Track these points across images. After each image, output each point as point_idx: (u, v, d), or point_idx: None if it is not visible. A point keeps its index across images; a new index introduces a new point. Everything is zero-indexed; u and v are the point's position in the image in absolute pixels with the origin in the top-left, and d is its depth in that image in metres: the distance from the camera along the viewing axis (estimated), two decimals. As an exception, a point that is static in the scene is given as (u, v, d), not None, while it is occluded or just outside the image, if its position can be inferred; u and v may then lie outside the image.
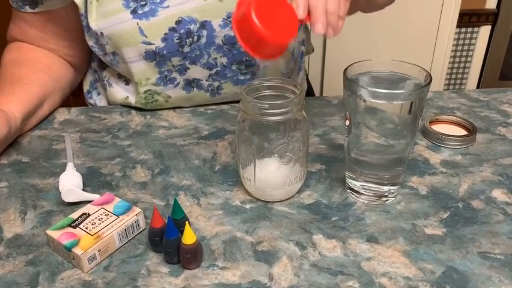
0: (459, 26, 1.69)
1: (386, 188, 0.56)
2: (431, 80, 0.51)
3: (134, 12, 0.68)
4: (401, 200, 0.58)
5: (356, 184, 0.57)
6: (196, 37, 0.70)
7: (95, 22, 0.70)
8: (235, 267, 0.49)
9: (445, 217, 0.55)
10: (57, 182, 0.59)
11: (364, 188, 0.57)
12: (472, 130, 0.69)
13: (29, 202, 0.59)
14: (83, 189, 0.59)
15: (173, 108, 0.79)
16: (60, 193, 0.57)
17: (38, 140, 0.71)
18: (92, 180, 0.62)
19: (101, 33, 0.70)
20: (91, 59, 0.86)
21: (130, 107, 0.79)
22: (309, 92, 1.03)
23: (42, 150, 0.69)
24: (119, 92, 0.79)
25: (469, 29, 1.74)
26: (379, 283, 0.47)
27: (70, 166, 0.62)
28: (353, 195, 0.58)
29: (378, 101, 0.51)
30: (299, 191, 0.59)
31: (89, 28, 0.71)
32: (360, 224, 0.54)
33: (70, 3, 0.71)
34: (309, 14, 0.51)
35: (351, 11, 0.62)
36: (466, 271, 0.48)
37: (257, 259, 0.50)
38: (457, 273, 0.48)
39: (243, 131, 0.55)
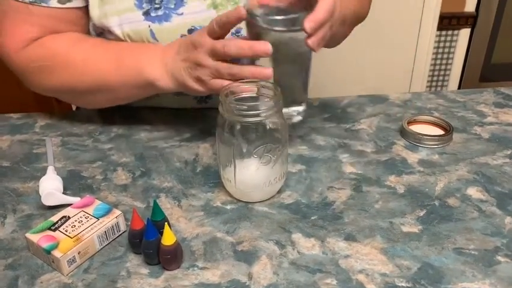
0: (439, 28, 1.71)
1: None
2: None
3: (146, 14, 0.67)
4: (379, 199, 0.59)
5: None
6: None
7: (99, 19, 0.69)
8: (215, 267, 0.50)
9: (422, 215, 0.56)
10: (38, 185, 0.59)
11: None
12: (448, 130, 0.71)
13: (9, 206, 0.59)
14: (64, 193, 0.59)
15: (156, 108, 0.79)
16: (40, 197, 0.57)
17: (18, 145, 0.71)
18: (73, 183, 0.62)
19: (108, 31, 0.69)
20: None
21: (112, 110, 0.79)
22: None
23: (23, 155, 0.69)
24: None
25: (449, 32, 1.77)
26: (356, 280, 0.48)
27: (51, 170, 0.62)
28: None
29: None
30: (279, 191, 0.60)
31: (93, 23, 0.71)
32: (339, 223, 0.55)
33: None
34: None
35: None
36: (441, 267, 0.49)
37: (237, 259, 0.51)
38: (432, 269, 0.49)
39: (223, 132, 0.55)
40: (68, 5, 0.68)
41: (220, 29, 0.59)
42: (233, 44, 0.58)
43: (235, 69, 0.58)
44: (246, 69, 0.58)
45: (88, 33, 0.73)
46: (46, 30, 0.69)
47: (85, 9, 0.70)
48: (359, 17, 0.77)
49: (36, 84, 0.72)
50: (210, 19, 0.70)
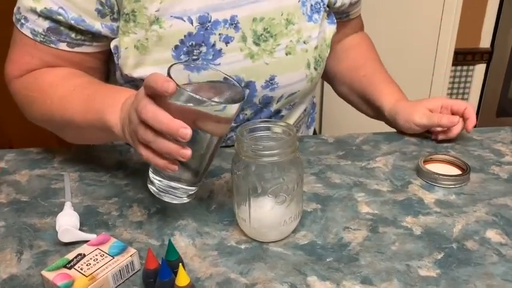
0: (454, 64, 1.72)
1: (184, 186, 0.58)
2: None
3: (185, 64, 0.69)
4: (395, 241, 0.58)
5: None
6: None
7: (133, 69, 0.69)
8: (229, 309, 0.49)
9: (439, 258, 0.55)
10: (55, 221, 0.60)
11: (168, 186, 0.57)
12: (465, 169, 0.70)
13: (26, 242, 0.59)
14: (80, 229, 0.60)
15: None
16: (57, 233, 0.58)
17: (37, 179, 0.72)
18: (89, 219, 0.63)
19: (141, 79, 0.69)
20: None
21: (129, 145, 0.81)
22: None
23: (41, 190, 0.70)
24: None
25: (465, 67, 1.78)
26: (373, 326, 0.47)
27: (68, 205, 0.63)
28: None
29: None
30: (294, 231, 0.60)
31: (121, 73, 0.71)
32: (355, 265, 0.54)
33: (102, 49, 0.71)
34: None
35: None
36: (461, 314, 0.48)
37: (251, 301, 0.50)
38: (451, 316, 0.48)
39: (238, 170, 0.56)
40: (76, 49, 0.71)
41: (147, 90, 0.51)
42: (152, 110, 0.50)
43: (149, 136, 0.51)
44: (161, 143, 0.51)
45: (92, 74, 0.73)
46: (46, 64, 0.71)
47: (95, 54, 0.72)
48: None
49: (25, 112, 0.75)
50: (246, 68, 0.70)
